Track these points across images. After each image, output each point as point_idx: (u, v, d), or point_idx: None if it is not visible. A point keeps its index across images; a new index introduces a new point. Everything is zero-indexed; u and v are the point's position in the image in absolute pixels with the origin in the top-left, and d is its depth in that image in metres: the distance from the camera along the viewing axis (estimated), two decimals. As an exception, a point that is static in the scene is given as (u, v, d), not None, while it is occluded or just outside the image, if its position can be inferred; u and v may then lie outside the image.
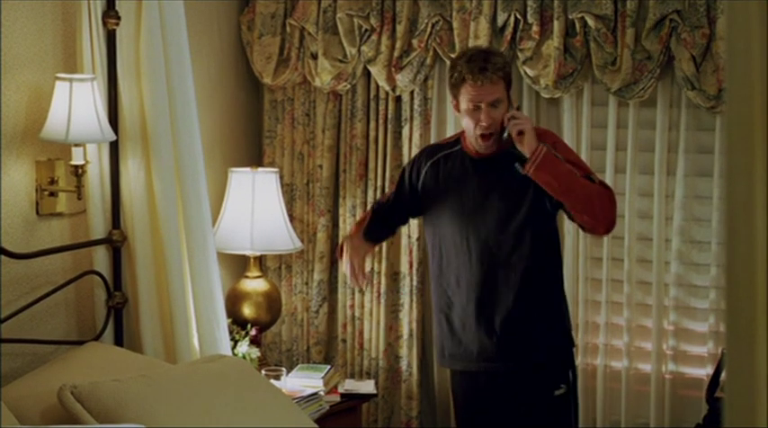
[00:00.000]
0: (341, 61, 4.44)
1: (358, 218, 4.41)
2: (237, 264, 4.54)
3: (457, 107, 3.48)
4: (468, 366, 3.53)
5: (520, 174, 3.35)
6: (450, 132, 4.34)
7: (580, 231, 4.11)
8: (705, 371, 3.91)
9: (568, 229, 4.16)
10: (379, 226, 3.72)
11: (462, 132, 3.56)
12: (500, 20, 4.14)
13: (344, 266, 3.62)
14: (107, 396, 3.01)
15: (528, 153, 3.34)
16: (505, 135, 3.39)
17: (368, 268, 4.52)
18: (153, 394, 3.10)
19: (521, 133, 3.35)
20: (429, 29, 4.25)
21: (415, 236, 4.42)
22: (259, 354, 4.27)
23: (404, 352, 4.51)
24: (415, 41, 4.30)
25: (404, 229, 4.44)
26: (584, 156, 4.11)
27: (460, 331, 3.50)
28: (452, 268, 3.50)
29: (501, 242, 3.42)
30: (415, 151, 4.36)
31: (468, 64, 3.39)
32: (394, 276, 4.54)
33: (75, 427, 2.86)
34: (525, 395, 3.45)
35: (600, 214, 3.36)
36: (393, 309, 4.55)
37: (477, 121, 3.39)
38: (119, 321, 3.81)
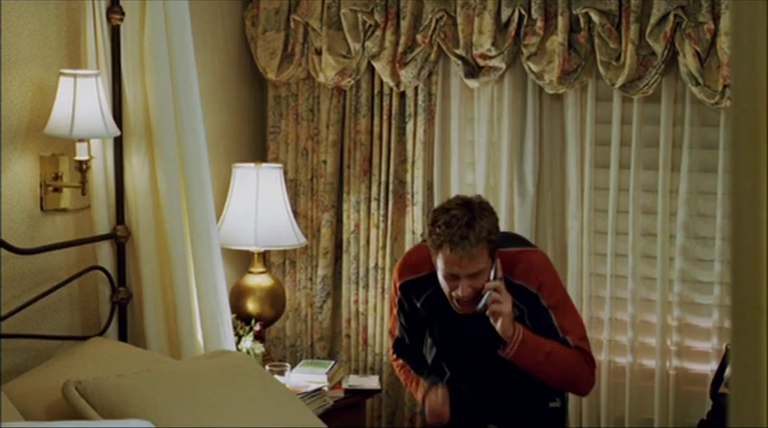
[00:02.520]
0: (345, 57, 4.44)
1: (366, 212, 4.43)
2: (241, 260, 4.54)
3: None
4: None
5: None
6: (454, 130, 4.34)
7: (584, 227, 4.12)
8: (709, 367, 3.91)
9: (572, 225, 4.16)
10: (418, 358, 3.62)
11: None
12: (504, 15, 4.13)
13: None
14: (111, 392, 3.01)
15: (503, 335, 3.18)
16: (481, 306, 3.18)
17: (372, 263, 4.53)
18: (157, 389, 3.10)
19: (496, 317, 3.17)
20: (433, 24, 4.25)
21: (419, 231, 4.42)
22: (263, 350, 4.28)
23: (408, 347, 4.51)
24: (419, 37, 4.30)
25: (407, 224, 4.44)
26: (587, 153, 4.11)
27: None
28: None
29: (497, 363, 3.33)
30: (419, 147, 4.36)
31: (447, 229, 3.08)
32: (398, 272, 4.53)
33: (79, 423, 2.85)
34: (521, 406, 3.42)
35: (579, 385, 3.38)
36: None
37: (453, 289, 3.19)
38: (123, 316, 3.82)
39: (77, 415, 2.96)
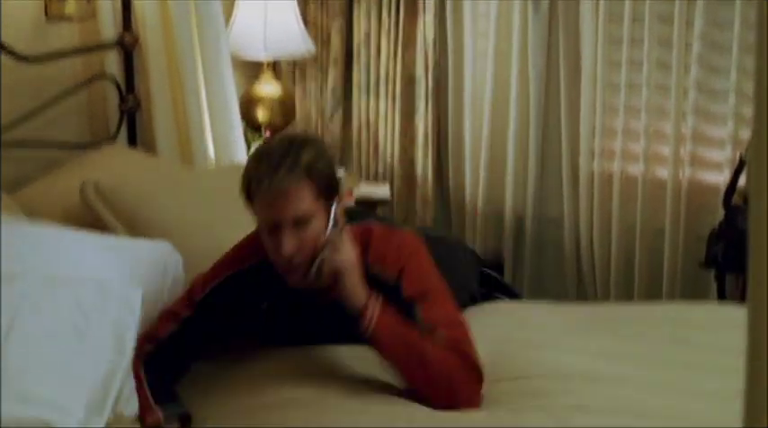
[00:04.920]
0: None
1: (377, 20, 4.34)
2: (251, 70, 4.48)
3: None
4: None
5: None
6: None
7: (599, 35, 4.02)
8: (723, 177, 3.88)
9: (585, 35, 4.07)
10: (171, 371, 2.53)
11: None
12: None
13: None
14: (131, 197, 2.97)
15: (351, 300, 2.26)
16: (314, 269, 2.26)
17: (383, 72, 4.47)
18: (177, 198, 3.07)
19: (337, 274, 2.27)
20: None
21: (430, 37, 4.34)
22: (274, 159, 4.26)
23: (419, 156, 4.50)
24: None
25: (419, 32, 4.36)
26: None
27: None
28: None
29: None
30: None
31: (258, 164, 2.26)
32: (409, 80, 4.47)
33: (97, 235, 2.80)
34: None
35: (457, 395, 2.21)
36: (408, 113, 4.51)
37: (277, 247, 2.26)
38: (132, 126, 3.79)
39: (94, 219, 2.93)
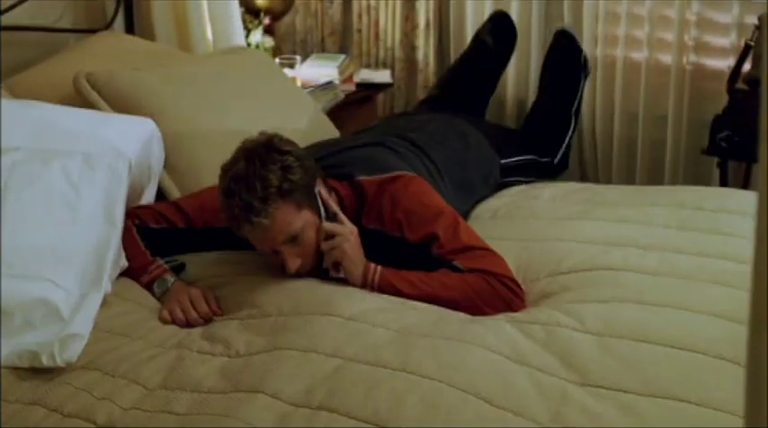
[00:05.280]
0: None
1: None
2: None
3: None
4: None
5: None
6: None
7: None
8: (726, 63, 3.83)
9: None
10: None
11: None
12: None
13: None
14: (124, 85, 2.94)
15: (354, 284, 2.25)
16: (324, 266, 2.29)
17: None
18: (172, 85, 3.04)
19: (337, 263, 2.27)
20: None
21: None
22: (273, 44, 4.21)
23: (420, 42, 4.44)
24: None
25: None
26: None
27: None
28: None
29: None
30: None
31: (228, 200, 2.18)
32: (410, -36, 4.40)
33: (83, 111, 2.77)
34: None
35: (486, 306, 2.20)
36: (409, -1, 4.45)
37: (281, 264, 2.27)
38: (129, 12, 3.73)
39: (89, 106, 2.92)
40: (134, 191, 2.49)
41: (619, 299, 2.11)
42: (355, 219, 2.36)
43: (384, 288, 2.21)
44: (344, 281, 2.26)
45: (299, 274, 2.26)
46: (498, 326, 1.99)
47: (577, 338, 1.93)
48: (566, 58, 3.56)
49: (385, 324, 2.00)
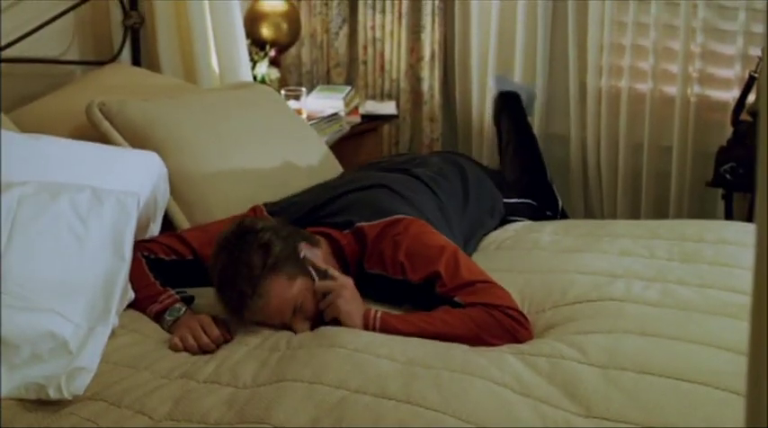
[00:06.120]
0: None
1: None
2: (255, -16, 4.43)
3: None
4: None
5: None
6: None
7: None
8: (731, 94, 3.85)
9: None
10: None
11: None
12: None
13: None
14: (136, 115, 2.95)
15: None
16: (326, 319, 2.27)
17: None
18: (182, 116, 3.06)
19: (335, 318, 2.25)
20: None
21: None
22: (279, 75, 4.23)
23: (425, 73, 4.47)
24: None
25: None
26: None
27: None
28: None
29: None
30: None
31: (221, 293, 2.25)
32: (416, -4, 4.43)
33: (82, 144, 2.78)
34: None
35: (491, 338, 2.17)
36: (415, 30, 4.47)
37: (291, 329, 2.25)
38: (136, 42, 3.76)
39: (101, 138, 2.92)
40: (140, 226, 2.50)
41: (622, 331, 2.12)
42: (358, 266, 2.39)
43: (386, 332, 2.19)
44: None
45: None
46: (502, 359, 2.00)
47: (581, 370, 1.93)
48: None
49: (389, 355, 2.00)
